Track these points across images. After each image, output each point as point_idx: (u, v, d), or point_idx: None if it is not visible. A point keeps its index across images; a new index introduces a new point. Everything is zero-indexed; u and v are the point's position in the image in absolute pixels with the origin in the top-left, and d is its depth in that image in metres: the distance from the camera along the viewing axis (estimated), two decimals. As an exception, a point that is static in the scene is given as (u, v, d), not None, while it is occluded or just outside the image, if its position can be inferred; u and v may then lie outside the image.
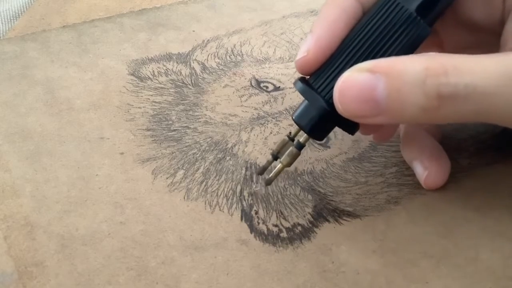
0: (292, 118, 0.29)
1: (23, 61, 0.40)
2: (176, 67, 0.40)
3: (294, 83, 0.29)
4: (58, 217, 0.29)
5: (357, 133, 0.35)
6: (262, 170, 0.31)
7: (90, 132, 0.34)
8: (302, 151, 0.30)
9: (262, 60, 0.41)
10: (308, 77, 0.29)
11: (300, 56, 0.28)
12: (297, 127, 0.29)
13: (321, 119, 0.28)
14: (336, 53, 0.28)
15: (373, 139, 0.33)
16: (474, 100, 0.24)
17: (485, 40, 0.29)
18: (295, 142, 0.29)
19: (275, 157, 0.30)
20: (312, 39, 0.28)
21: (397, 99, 0.25)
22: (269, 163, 0.30)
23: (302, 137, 0.29)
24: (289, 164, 0.29)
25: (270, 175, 0.30)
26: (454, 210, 0.30)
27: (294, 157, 0.29)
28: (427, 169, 0.31)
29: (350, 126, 0.28)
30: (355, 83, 0.25)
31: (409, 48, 0.27)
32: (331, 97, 0.27)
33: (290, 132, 0.30)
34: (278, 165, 0.30)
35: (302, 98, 0.38)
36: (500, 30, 0.28)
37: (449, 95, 0.24)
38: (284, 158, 0.29)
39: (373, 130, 0.31)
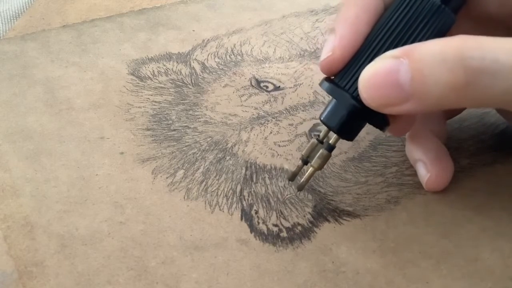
0: (320, 119, 0.28)
1: (23, 61, 0.40)
2: (176, 67, 0.40)
3: (320, 84, 0.29)
4: (58, 217, 0.29)
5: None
6: (293, 176, 0.30)
7: (90, 132, 0.34)
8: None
9: (262, 60, 0.41)
10: (333, 77, 0.28)
11: (324, 57, 0.28)
12: (325, 128, 0.29)
13: (350, 117, 0.28)
14: (361, 49, 0.27)
15: (390, 132, 0.31)
16: (503, 77, 0.23)
17: (496, 34, 0.29)
18: (324, 144, 0.29)
19: (305, 161, 0.29)
20: (335, 38, 0.28)
21: (421, 80, 0.24)
22: (299, 168, 0.30)
23: (331, 138, 0.29)
24: (320, 167, 0.29)
25: (302, 180, 0.29)
26: (454, 210, 0.30)
27: (325, 159, 0.29)
28: (429, 172, 0.31)
29: (380, 121, 0.28)
30: (379, 70, 0.25)
31: (435, 38, 0.26)
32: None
33: (318, 135, 0.29)
34: (309, 169, 0.29)
35: (302, 97, 0.38)
36: None
37: (476, 69, 0.23)
38: (315, 161, 0.29)
39: (400, 126, 0.30)
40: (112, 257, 0.28)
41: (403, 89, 0.25)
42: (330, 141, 0.29)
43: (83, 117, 0.35)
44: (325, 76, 0.29)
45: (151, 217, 0.30)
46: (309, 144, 0.29)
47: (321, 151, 0.29)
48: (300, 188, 0.30)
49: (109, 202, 0.30)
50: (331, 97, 0.28)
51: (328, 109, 0.28)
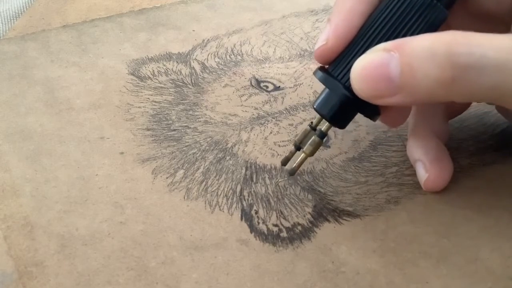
0: (313, 107, 0.29)
1: (23, 61, 0.40)
2: (176, 67, 0.40)
3: (314, 73, 0.29)
4: (58, 217, 0.29)
5: (357, 133, 0.35)
6: (286, 161, 0.31)
7: (90, 132, 0.34)
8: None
9: (262, 60, 0.41)
10: (327, 66, 0.29)
11: (318, 45, 0.28)
12: (318, 116, 0.29)
13: (342, 106, 0.28)
14: (354, 40, 0.28)
15: (384, 123, 0.32)
16: (490, 73, 0.24)
17: (494, 30, 0.29)
18: (317, 131, 0.30)
19: (298, 147, 0.30)
20: (330, 28, 0.28)
21: (410, 73, 0.25)
22: (292, 153, 0.31)
23: (324, 125, 0.29)
24: (312, 153, 0.30)
25: (293, 165, 0.30)
26: (454, 210, 0.30)
27: (317, 146, 0.30)
28: (428, 172, 0.31)
29: (371, 111, 0.28)
30: (370, 62, 0.26)
31: (427, 32, 0.27)
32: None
33: (311, 122, 0.30)
34: (301, 155, 0.30)
35: (302, 97, 0.38)
36: (509, 19, 0.28)
37: (463, 65, 0.24)
38: (306, 147, 0.30)
39: (394, 117, 0.31)
40: (112, 257, 0.28)
41: (393, 82, 0.25)
42: (322, 129, 0.29)
43: (83, 117, 0.35)
44: (319, 65, 0.29)
45: (151, 217, 0.30)
46: (302, 130, 0.30)
47: (313, 138, 0.30)
48: (292, 173, 0.31)
49: (109, 202, 0.30)
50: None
51: (321, 97, 0.29)
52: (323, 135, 0.29)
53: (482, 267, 0.28)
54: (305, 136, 0.30)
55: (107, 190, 0.31)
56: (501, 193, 0.31)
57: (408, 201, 0.31)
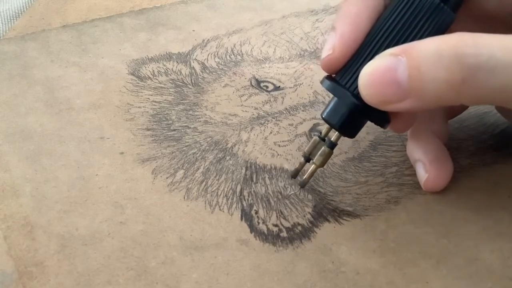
0: (322, 117, 0.29)
1: (23, 61, 0.40)
2: (176, 67, 0.40)
3: (321, 82, 0.29)
4: (58, 217, 0.29)
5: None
6: (295, 173, 0.31)
7: (90, 132, 0.34)
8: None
9: (262, 60, 0.41)
10: (334, 75, 0.29)
11: (325, 55, 0.28)
12: (327, 126, 0.29)
13: (351, 115, 0.28)
14: (361, 47, 0.28)
15: (392, 129, 0.31)
16: (499, 74, 0.24)
17: (496, 32, 0.29)
18: (326, 141, 0.29)
19: (307, 158, 0.30)
20: (336, 36, 0.28)
21: (418, 77, 0.24)
22: (301, 165, 0.30)
23: (333, 135, 0.29)
24: (322, 164, 0.29)
25: (304, 177, 0.30)
26: (454, 210, 0.30)
27: (327, 157, 0.29)
28: (427, 172, 0.31)
29: (381, 119, 0.28)
30: (378, 67, 0.25)
31: (435, 36, 0.26)
32: None
33: (320, 132, 0.30)
34: (311, 166, 0.30)
35: (302, 97, 0.38)
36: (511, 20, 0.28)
37: (472, 65, 0.24)
38: (317, 158, 0.29)
39: (402, 123, 0.30)
40: (112, 257, 0.28)
41: (401, 87, 0.25)
42: (332, 139, 0.29)
43: (83, 117, 0.35)
44: (326, 74, 0.29)
45: (151, 217, 0.30)
46: (311, 141, 0.30)
47: (323, 148, 0.29)
48: (303, 185, 0.30)
49: (109, 202, 0.30)
50: (332, 95, 0.29)
51: (330, 106, 0.29)
52: (333, 145, 0.29)
53: (482, 267, 0.28)
54: (314, 147, 0.29)
55: (107, 190, 0.31)
56: (501, 193, 0.31)
57: (408, 201, 0.31)
